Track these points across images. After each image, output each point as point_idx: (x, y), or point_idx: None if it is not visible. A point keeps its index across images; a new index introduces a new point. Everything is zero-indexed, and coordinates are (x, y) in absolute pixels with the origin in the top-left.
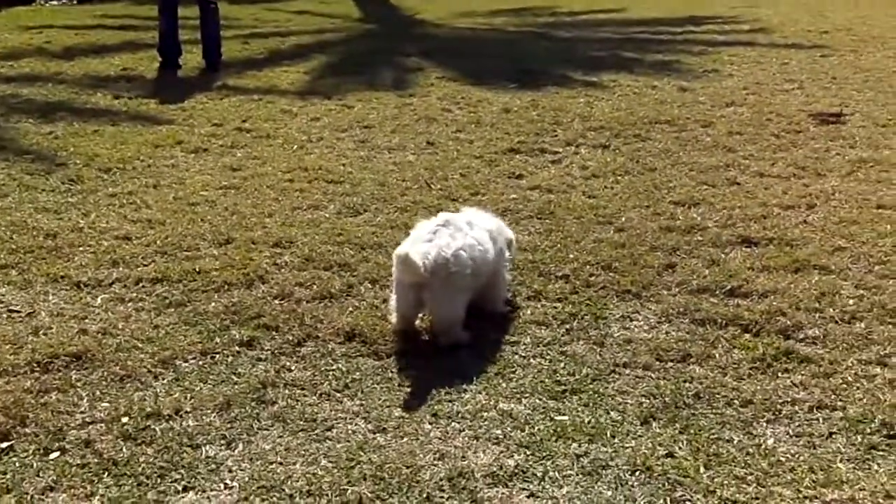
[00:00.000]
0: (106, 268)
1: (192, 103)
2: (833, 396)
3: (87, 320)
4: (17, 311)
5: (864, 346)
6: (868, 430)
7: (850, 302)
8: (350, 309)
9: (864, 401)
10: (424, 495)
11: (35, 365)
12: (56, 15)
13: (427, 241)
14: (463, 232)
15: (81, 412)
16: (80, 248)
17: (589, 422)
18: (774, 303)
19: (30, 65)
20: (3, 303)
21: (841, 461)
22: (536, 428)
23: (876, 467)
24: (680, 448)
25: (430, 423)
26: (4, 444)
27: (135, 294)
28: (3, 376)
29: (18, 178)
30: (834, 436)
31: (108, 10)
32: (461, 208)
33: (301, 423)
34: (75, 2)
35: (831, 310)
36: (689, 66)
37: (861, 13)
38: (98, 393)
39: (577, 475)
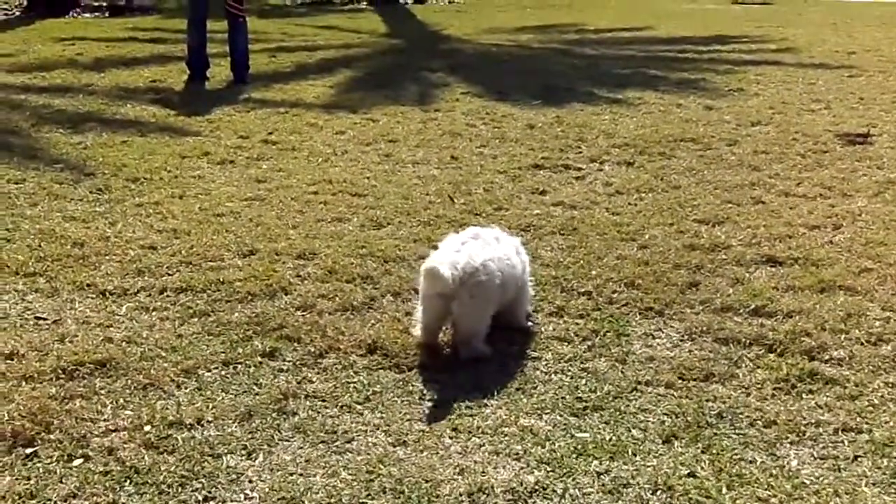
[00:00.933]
0: (131, 277)
1: (219, 115)
2: (859, 419)
3: (112, 328)
4: (44, 319)
5: (891, 369)
6: (895, 454)
7: (877, 324)
8: (372, 321)
9: (891, 424)
10: None
11: (60, 372)
12: (88, 27)
13: (456, 252)
14: (492, 245)
15: (105, 420)
16: (107, 257)
17: (610, 439)
18: (799, 323)
19: (61, 76)
20: (30, 310)
21: (866, 485)
22: (557, 445)
23: None
24: (702, 468)
25: (451, 438)
26: (29, 450)
27: (159, 303)
28: (30, 382)
29: (48, 187)
30: (859, 459)
31: (138, 23)
32: (487, 225)
33: (322, 434)
34: (107, 14)
35: (857, 331)
36: (715, 84)
37: (889, 34)
38: (122, 401)
39: (598, 493)
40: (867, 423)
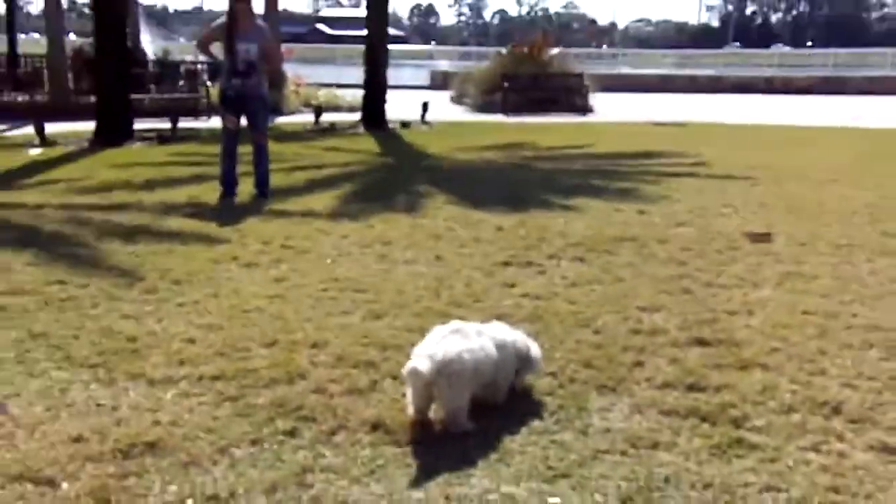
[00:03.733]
0: (175, 366)
1: (246, 225)
2: (778, 479)
3: (159, 413)
4: (103, 405)
5: (801, 435)
6: None
7: (787, 396)
8: (375, 402)
9: (804, 484)
10: None
11: (118, 452)
12: (140, 154)
13: (436, 345)
14: (470, 338)
15: (154, 495)
16: (155, 350)
17: (577, 503)
18: (726, 396)
19: (119, 195)
20: (92, 397)
21: None
22: None
23: None
24: None
25: None
26: None
27: (197, 389)
28: (93, 461)
29: (107, 290)
30: None
31: (181, 149)
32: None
33: None
34: (157, 143)
35: (772, 402)
36: (646, 192)
37: (778, 153)
38: (167, 477)
39: None
40: (785, 482)
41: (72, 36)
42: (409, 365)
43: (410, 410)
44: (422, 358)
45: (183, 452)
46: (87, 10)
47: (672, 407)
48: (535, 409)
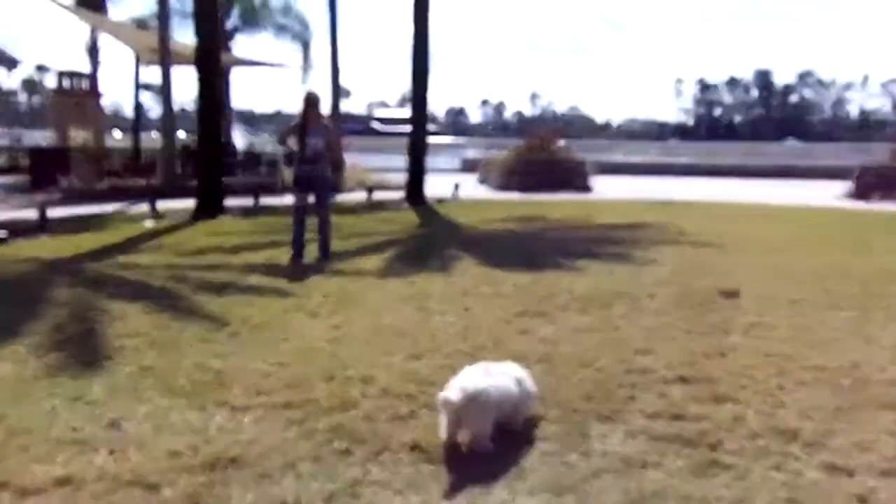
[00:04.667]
0: (252, 396)
1: (310, 281)
2: (747, 494)
3: (239, 434)
4: (196, 426)
5: (765, 457)
6: None
7: (754, 424)
8: (413, 427)
9: (767, 497)
10: None
11: (206, 465)
12: (230, 224)
13: (465, 380)
14: (493, 376)
15: (235, 500)
16: (237, 382)
17: None
18: (704, 425)
19: (211, 257)
20: (187, 420)
21: None
22: None
23: None
24: None
25: None
26: None
27: (270, 415)
28: (187, 472)
29: (201, 334)
30: None
31: (262, 221)
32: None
33: None
34: (242, 216)
35: (742, 430)
36: (637, 256)
37: (745, 225)
38: (245, 487)
39: None
40: (752, 496)
41: (181, 133)
42: (443, 395)
43: (443, 433)
44: (454, 389)
45: (258, 467)
46: (193, 114)
47: (659, 433)
48: (546, 435)
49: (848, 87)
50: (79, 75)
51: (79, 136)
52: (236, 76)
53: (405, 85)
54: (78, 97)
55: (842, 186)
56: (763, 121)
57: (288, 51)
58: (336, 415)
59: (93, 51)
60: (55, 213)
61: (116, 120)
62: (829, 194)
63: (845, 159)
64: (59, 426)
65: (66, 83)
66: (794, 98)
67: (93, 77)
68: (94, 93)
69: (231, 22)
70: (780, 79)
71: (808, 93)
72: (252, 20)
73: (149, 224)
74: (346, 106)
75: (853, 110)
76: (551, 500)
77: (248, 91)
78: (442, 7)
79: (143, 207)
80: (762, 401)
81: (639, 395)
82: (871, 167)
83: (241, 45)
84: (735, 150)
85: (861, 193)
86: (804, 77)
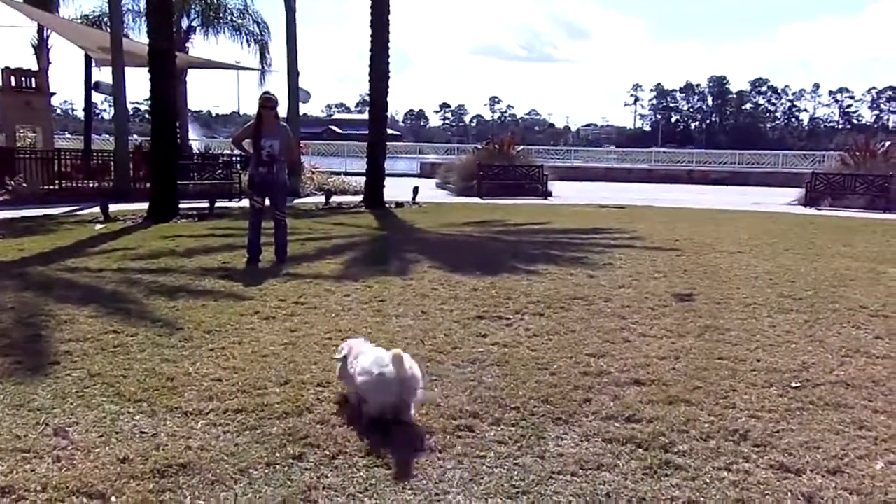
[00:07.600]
0: (205, 401)
1: (266, 286)
2: (698, 494)
3: (191, 439)
4: (146, 432)
5: (716, 457)
6: None
7: (706, 426)
8: (369, 432)
9: (718, 497)
10: None
11: (156, 472)
12: (184, 228)
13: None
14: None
15: None
16: (189, 387)
17: None
18: (657, 427)
19: (165, 261)
20: (137, 426)
21: None
22: None
23: None
24: None
25: None
26: None
27: (223, 420)
28: (136, 479)
29: (152, 338)
30: None
31: (217, 224)
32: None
33: None
34: (197, 219)
35: (694, 431)
36: (594, 260)
37: (698, 229)
38: (196, 493)
39: None
40: (703, 497)
41: (134, 136)
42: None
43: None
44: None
45: (210, 472)
46: (147, 116)
47: (614, 435)
48: (502, 438)
49: (799, 95)
50: (28, 73)
51: (27, 135)
52: (193, 77)
53: (364, 87)
54: (27, 96)
55: (795, 193)
56: (718, 128)
57: (247, 52)
58: (290, 419)
59: (41, 49)
60: (1, 215)
61: (67, 120)
62: (782, 200)
63: (796, 167)
64: (2, 434)
65: (13, 81)
66: (747, 106)
67: (43, 75)
68: (43, 91)
69: (187, 22)
70: (735, 86)
71: (761, 100)
72: (208, 21)
73: (99, 227)
74: (304, 108)
75: (804, 118)
76: (506, 502)
77: (205, 92)
78: (402, 11)
79: (95, 210)
80: (714, 402)
81: (594, 398)
82: (821, 174)
83: (199, 46)
84: (691, 157)
85: (812, 199)
86: (756, 84)
